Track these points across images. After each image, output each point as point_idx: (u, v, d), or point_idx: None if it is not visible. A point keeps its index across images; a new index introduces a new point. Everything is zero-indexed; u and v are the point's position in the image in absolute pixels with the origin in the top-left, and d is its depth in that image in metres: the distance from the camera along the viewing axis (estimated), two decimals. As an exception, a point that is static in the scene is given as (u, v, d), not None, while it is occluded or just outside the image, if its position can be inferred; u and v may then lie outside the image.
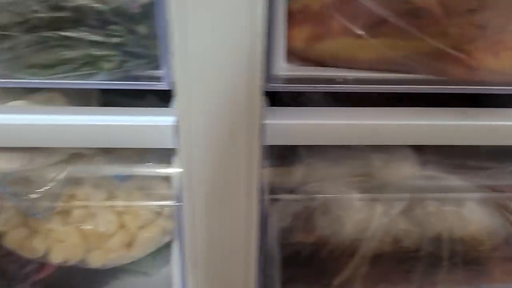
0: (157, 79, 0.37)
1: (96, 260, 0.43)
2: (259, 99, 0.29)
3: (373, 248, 0.46)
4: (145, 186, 0.43)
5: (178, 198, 0.41)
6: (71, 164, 0.42)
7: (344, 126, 0.34)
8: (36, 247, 0.41)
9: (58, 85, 0.35)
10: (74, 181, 0.42)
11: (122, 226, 0.42)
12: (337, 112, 0.36)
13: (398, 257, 0.47)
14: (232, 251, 0.36)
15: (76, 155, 0.43)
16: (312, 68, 0.40)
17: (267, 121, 0.30)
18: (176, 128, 0.36)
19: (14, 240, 0.40)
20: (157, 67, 0.37)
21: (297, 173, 0.45)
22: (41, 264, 0.44)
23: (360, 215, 0.45)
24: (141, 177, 0.42)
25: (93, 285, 0.52)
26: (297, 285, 0.49)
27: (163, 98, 0.47)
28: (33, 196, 0.40)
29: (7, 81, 0.35)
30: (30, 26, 0.33)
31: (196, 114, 0.30)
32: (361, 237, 0.46)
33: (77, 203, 0.41)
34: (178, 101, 0.34)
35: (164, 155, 0.45)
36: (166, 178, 0.43)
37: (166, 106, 0.41)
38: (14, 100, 0.41)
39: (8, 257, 0.41)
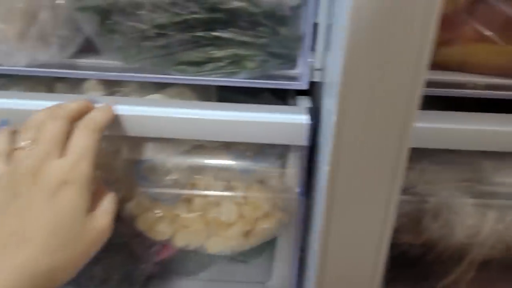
0: (292, 78, 0.38)
1: (215, 247, 0.45)
2: (417, 101, 0.29)
3: (483, 254, 0.46)
4: (263, 179, 0.45)
5: (298, 192, 0.43)
6: (195, 155, 0.45)
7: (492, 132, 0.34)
8: (163, 231, 0.44)
9: (204, 82, 0.38)
10: (197, 171, 0.45)
11: (241, 216, 0.44)
12: (489, 118, 0.36)
13: (508, 265, 0.47)
14: (364, 250, 0.37)
15: (198, 146, 0.46)
16: (440, 72, 0.40)
17: (419, 124, 0.31)
18: (310, 126, 0.37)
19: (144, 223, 0.44)
20: (292, 67, 0.38)
21: (409, 174, 0.45)
22: (164, 246, 0.47)
23: (472, 220, 0.45)
24: (260, 170, 0.44)
25: (196, 268, 0.55)
26: (400, 286, 0.50)
27: (279, 97, 0.49)
28: (164, 183, 0.43)
29: (159, 77, 0.38)
30: (186, 26, 0.35)
31: (347, 113, 0.31)
32: (471, 242, 0.46)
33: (202, 192, 0.44)
34: (326, 99, 0.35)
35: (281, 151, 0.47)
36: (283, 173, 0.45)
37: (281, 104, 0.43)
38: (149, 93, 0.44)
39: (137, 239, 0.45)
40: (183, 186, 0.44)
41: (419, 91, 0.30)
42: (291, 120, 0.37)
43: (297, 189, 0.42)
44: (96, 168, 0.33)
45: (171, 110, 0.37)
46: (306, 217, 0.44)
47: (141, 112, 0.38)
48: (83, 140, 0.33)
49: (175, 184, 0.43)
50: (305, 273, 0.48)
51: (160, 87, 0.45)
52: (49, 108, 0.35)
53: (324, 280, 0.39)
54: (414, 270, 0.49)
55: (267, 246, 0.58)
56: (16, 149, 0.33)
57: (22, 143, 0.33)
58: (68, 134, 0.33)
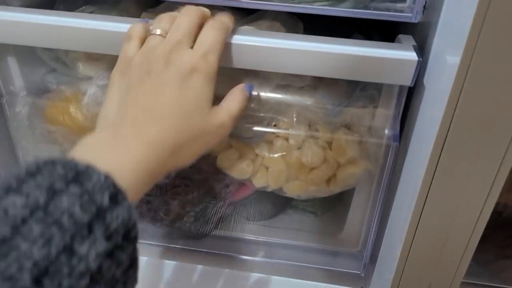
0: (399, 11, 0.35)
1: (294, 190, 0.44)
2: None
3: None
4: (351, 122, 0.43)
5: (392, 137, 0.40)
6: (281, 93, 0.43)
7: None
8: (244, 170, 0.43)
9: (306, 10, 0.35)
10: (282, 111, 0.43)
11: (325, 160, 0.42)
12: None
13: None
14: (466, 212, 0.34)
15: (283, 86, 0.44)
16: None
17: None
18: (418, 64, 0.34)
19: (225, 160, 0.43)
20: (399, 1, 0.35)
21: None
22: (242, 186, 0.46)
23: None
24: (347, 114, 0.42)
25: (264, 214, 0.55)
26: (485, 249, 0.47)
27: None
28: (249, 121, 0.41)
29: (257, 3, 0.36)
30: None
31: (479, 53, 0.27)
32: None
33: (286, 131, 0.42)
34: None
35: (370, 94, 0.44)
36: (373, 116, 0.42)
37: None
38: (240, 25, 0.42)
39: (217, 176, 0.44)
40: (267, 126, 0.42)
41: None
42: (400, 56, 0.34)
43: (389, 134, 0.40)
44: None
45: (274, 40, 0.35)
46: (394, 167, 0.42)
47: (240, 41, 0.36)
48: (212, 35, 0.34)
49: (260, 122, 0.42)
50: (384, 230, 0.46)
51: (250, 19, 0.43)
52: (182, 7, 0.37)
53: (416, 239, 0.37)
54: (504, 232, 0.45)
55: (339, 200, 0.57)
56: (151, 35, 0.35)
57: (158, 31, 0.34)
58: (198, 30, 0.34)
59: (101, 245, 0.23)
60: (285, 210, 0.56)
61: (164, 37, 0.34)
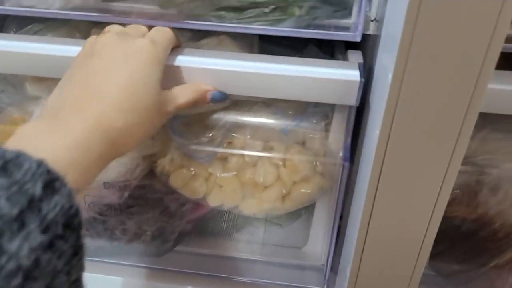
0: (344, 29, 0.34)
1: (250, 208, 0.43)
2: (495, 59, 0.25)
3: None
4: (304, 141, 0.42)
5: (342, 157, 0.39)
6: (232, 112, 0.42)
7: None
8: (197, 189, 0.42)
9: (245, 30, 0.34)
10: (234, 129, 0.42)
11: (279, 178, 0.42)
12: None
13: None
14: (413, 225, 0.34)
15: (236, 103, 0.43)
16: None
17: (492, 86, 0.26)
18: (361, 84, 0.33)
19: (178, 180, 0.42)
20: (345, 16, 0.34)
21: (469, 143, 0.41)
22: (197, 204, 0.46)
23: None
24: (301, 131, 0.41)
25: (230, 229, 0.54)
26: (447, 260, 0.46)
27: (325, 52, 0.44)
28: (200, 140, 0.41)
29: (197, 23, 0.35)
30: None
31: (407, 69, 0.27)
32: (532, 221, 0.41)
33: (239, 151, 0.41)
34: (381, 54, 0.31)
35: (324, 111, 0.43)
36: (326, 135, 0.42)
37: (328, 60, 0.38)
38: (186, 42, 0.41)
39: (171, 195, 0.43)
40: (219, 144, 0.41)
41: (499, 47, 0.25)
42: (342, 76, 0.33)
43: (341, 154, 0.39)
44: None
45: (209, 60, 0.34)
46: (347, 184, 0.41)
47: (178, 62, 0.35)
48: (161, 34, 0.35)
49: (211, 141, 0.41)
50: (342, 241, 0.45)
51: (198, 36, 0.42)
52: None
53: (365, 253, 0.36)
54: (464, 245, 0.45)
55: (305, 210, 0.56)
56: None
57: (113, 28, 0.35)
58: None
59: (36, 239, 0.21)
60: (250, 222, 0.55)
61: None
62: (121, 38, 0.33)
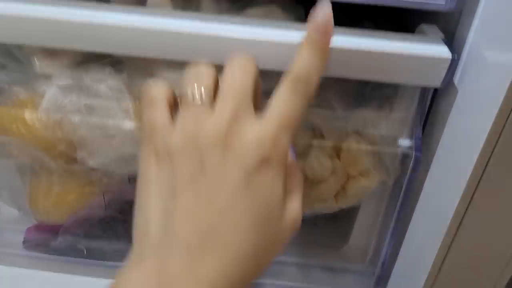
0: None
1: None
2: None
3: None
4: (363, 128, 0.36)
5: (414, 147, 0.34)
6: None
7: None
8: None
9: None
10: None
11: (333, 172, 0.36)
12: None
13: None
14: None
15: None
16: None
17: None
18: (453, 62, 0.28)
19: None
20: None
21: None
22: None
23: None
24: (361, 117, 0.36)
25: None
26: None
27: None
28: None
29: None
30: None
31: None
32: None
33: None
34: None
35: (381, 96, 0.38)
36: (394, 123, 0.36)
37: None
38: (228, 12, 0.35)
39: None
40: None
41: None
42: (426, 52, 0.28)
43: (412, 142, 0.34)
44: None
45: (273, 32, 0.29)
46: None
47: (232, 33, 0.29)
48: (292, 102, 0.23)
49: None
50: (397, 248, 0.40)
51: (242, 4, 0.36)
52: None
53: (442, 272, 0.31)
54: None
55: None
56: (185, 99, 0.23)
57: (197, 94, 0.23)
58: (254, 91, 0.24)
59: None
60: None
61: (208, 103, 0.23)
62: (229, 134, 0.22)
